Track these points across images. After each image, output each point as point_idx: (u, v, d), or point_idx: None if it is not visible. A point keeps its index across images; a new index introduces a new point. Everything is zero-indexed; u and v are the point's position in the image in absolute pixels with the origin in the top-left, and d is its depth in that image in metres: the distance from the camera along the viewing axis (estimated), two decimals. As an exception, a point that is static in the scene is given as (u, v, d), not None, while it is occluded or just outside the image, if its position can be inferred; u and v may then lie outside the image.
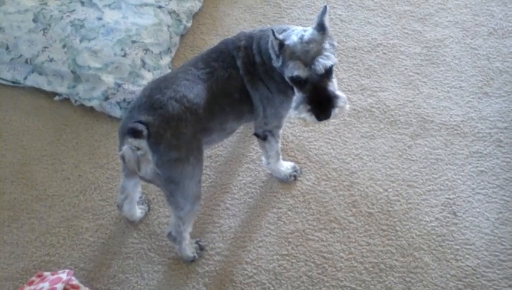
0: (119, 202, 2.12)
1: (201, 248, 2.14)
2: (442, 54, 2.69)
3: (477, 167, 2.31)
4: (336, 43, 1.85)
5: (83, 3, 2.66)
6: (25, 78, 2.60)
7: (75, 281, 2.01)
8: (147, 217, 2.25)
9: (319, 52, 1.74)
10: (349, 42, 2.77)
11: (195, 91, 1.83)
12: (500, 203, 2.20)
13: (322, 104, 1.76)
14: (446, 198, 2.23)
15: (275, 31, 1.76)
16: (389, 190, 2.27)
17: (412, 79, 2.61)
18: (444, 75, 2.61)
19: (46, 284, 1.96)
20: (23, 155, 2.48)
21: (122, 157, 1.83)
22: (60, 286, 1.94)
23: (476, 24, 2.80)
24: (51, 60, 2.54)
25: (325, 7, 1.79)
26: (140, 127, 1.69)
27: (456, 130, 2.42)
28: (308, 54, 1.74)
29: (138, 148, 1.75)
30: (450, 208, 2.20)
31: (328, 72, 1.77)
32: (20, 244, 2.21)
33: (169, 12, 2.71)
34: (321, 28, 1.78)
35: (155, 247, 2.18)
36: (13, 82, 2.66)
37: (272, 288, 2.05)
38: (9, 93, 2.69)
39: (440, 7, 2.90)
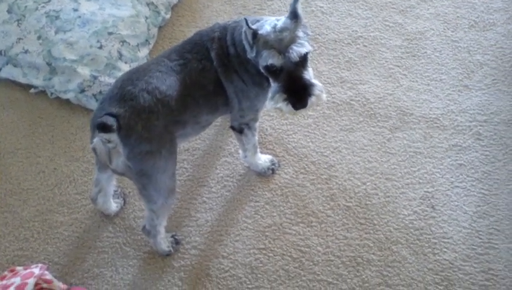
0: (93, 195, 2.09)
1: (177, 242, 2.11)
2: (423, 47, 2.67)
3: (456, 160, 2.30)
4: (310, 32, 1.82)
5: (58, -6, 2.61)
6: (0, 70, 2.56)
7: (48, 276, 1.98)
8: (122, 210, 2.22)
9: (293, 40, 1.71)
10: (329, 34, 2.75)
11: (167, 83, 1.80)
12: (478, 197, 2.19)
13: (298, 92, 1.73)
14: (425, 191, 2.22)
15: (248, 21, 1.73)
16: (367, 184, 2.25)
17: (392, 72, 2.59)
18: (424, 67, 2.60)
19: (17, 279, 1.92)
20: (-2, 149, 2.44)
21: (94, 150, 1.80)
22: (31, 280, 1.90)
23: (457, 17, 2.79)
24: (26, 51, 2.50)
25: None
26: (110, 121, 1.66)
27: (436, 123, 2.41)
28: (281, 42, 1.71)
29: (109, 141, 1.72)
30: (429, 202, 2.19)
31: (303, 60, 1.74)
32: (-7, 239, 2.18)
33: (147, 4, 2.68)
34: (294, 16, 1.75)
35: (130, 241, 2.15)
36: (-13, 74, 2.61)
37: (248, 282, 2.04)
38: (-17, 86, 2.65)
39: (422, -1, 2.89)
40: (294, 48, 1.70)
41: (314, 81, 1.77)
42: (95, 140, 1.75)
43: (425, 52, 2.65)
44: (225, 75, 1.89)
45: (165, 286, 2.04)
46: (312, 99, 1.75)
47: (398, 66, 2.61)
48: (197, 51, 1.88)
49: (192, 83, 1.85)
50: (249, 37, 1.75)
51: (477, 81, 2.54)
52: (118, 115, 1.69)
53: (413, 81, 2.55)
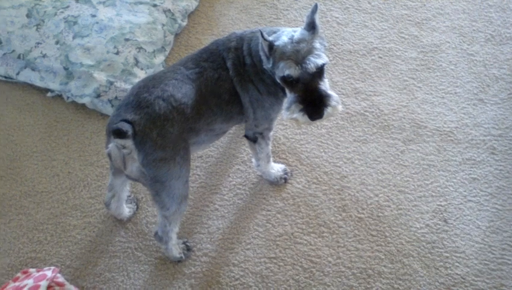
0: (106, 200, 2.10)
1: (188, 249, 2.12)
2: (438, 60, 2.67)
3: (469, 174, 2.29)
4: (326, 43, 1.83)
5: (77, 0, 2.64)
6: (18, 73, 2.59)
7: (60, 279, 2.00)
8: (135, 215, 2.23)
9: (310, 51, 1.72)
10: (345, 45, 2.76)
11: (183, 91, 1.81)
12: (491, 212, 2.18)
13: (314, 103, 1.74)
14: (437, 205, 2.21)
15: (264, 32, 1.74)
16: (380, 195, 2.25)
17: (406, 84, 2.59)
18: (439, 80, 2.59)
19: (30, 281, 1.94)
20: (14, 151, 2.46)
21: (109, 155, 1.82)
22: (44, 283, 1.92)
23: (474, 30, 2.78)
24: (44, 56, 2.53)
25: (315, 5, 1.77)
26: (126, 127, 1.68)
27: (450, 136, 2.40)
28: (298, 53, 1.72)
29: (124, 147, 1.73)
30: (441, 215, 2.18)
31: (320, 71, 1.75)
32: (7, 240, 2.20)
33: (164, 11, 2.70)
34: (311, 27, 1.76)
35: (142, 246, 2.16)
36: (5, 77, 2.65)
37: (258, 291, 2.04)
38: (1, 88, 2.68)
39: (438, 12, 2.88)
40: (312, 58, 1.70)
41: (331, 92, 1.78)
42: (110, 145, 1.77)
43: (441, 65, 2.65)
44: (241, 84, 1.90)
45: (175, 292, 2.06)
46: (328, 110, 1.75)
47: (413, 78, 2.61)
48: (213, 60, 1.89)
49: (208, 91, 1.87)
50: (265, 49, 1.76)
51: (492, 95, 2.53)
52: (133, 122, 1.70)
53: (427, 94, 2.55)
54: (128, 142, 1.71)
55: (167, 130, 1.75)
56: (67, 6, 2.62)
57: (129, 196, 2.21)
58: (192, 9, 2.89)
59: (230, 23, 2.89)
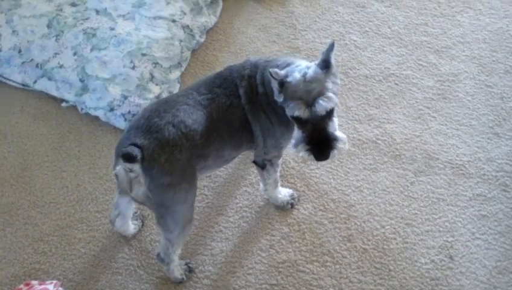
0: (112, 217, 2.12)
1: (190, 270, 2.12)
2: (455, 90, 2.64)
3: (479, 210, 2.25)
4: (339, 81, 1.81)
5: (97, 12, 2.67)
6: (35, 82, 2.63)
7: (62, 292, 2.02)
8: (139, 232, 2.24)
9: (321, 93, 1.71)
10: (361, 70, 2.73)
11: (194, 117, 1.82)
12: (499, 251, 2.14)
13: (321, 145, 1.75)
14: (444, 240, 2.18)
15: (276, 68, 1.75)
16: (387, 227, 2.23)
17: (421, 113, 2.56)
18: (455, 111, 2.56)
19: (32, 294, 1.97)
20: (25, 159, 2.49)
21: (116, 176, 1.83)
22: (45, 297, 1.94)
23: (493, 61, 2.74)
24: (61, 66, 2.56)
25: (332, 44, 1.75)
26: (135, 151, 1.69)
27: (462, 170, 2.36)
28: (310, 94, 1.70)
29: (131, 171, 1.74)
30: (447, 251, 2.15)
31: (329, 113, 1.74)
32: (12, 249, 2.23)
33: (183, 27, 2.71)
34: (326, 65, 1.74)
35: (145, 264, 2.17)
36: (23, 85, 2.68)
37: (257, 317, 2.04)
38: (18, 96, 2.71)
39: (458, 40, 2.84)
40: (321, 103, 1.69)
41: (338, 134, 1.77)
42: (118, 168, 1.78)
43: (457, 96, 2.61)
44: (252, 112, 1.90)
45: (174, 313, 2.06)
46: (334, 153, 1.76)
47: (428, 108, 2.58)
48: (226, 87, 1.89)
49: (219, 118, 1.87)
50: (276, 86, 1.76)
51: (508, 129, 2.48)
52: (142, 146, 1.71)
53: (442, 125, 2.51)
54: (136, 167, 1.72)
55: (175, 156, 1.75)
56: (88, 18, 2.64)
57: (135, 213, 2.23)
58: (210, 25, 2.89)
59: (248, 42, 2.89)
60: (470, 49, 2.80)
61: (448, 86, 2.66)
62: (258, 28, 2.96)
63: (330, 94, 1.70)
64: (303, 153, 1.75)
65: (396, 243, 2.18)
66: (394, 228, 2.22)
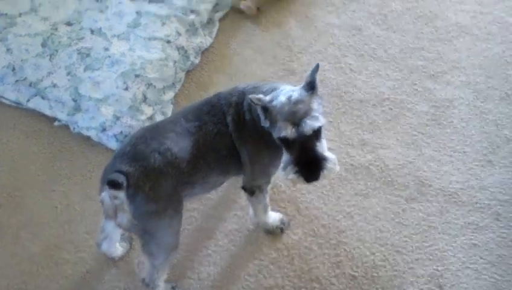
0: (98, 241, 2.11)
1: (176, 294, 2.11)
2: (450, 115, 2.62)
3: (470, 239, 2.23)
4: (324, 103, 1.80)
5: (92, 32, 2.68)
6: (28, 100, 2.64)
7: (46, 315, 2.01)
8: (127, 254, 2.23)
9: (307, 113, 1.70)
10: (356, 94, 2.73)
11: (181, 144, 1.82)
12: (490, 281, 2.12)
13: (310, 165, 1.72)
14: (434, 269, 2.15)
15: (256, 97, 1.74)
16: (376, 254, 2.21)
17: (415, 139, 2.55)
18: (449, 137, 2.54)
19: (16, 316, 1.95)
20: (16, 178, 2.50)
21: (101, 202, 1.83)
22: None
23: (489, 87, 2.73)
24: (54, 85, 2.57)
25: (317, 65, 1.76)
26: (120, 179, 1.69)
27: (454, 197, 2.34)
28: (295, 114, 1.70)
29: (116, 197, 1.74)
30: (437, 281, 2.13)
31: (317, 133, 1.73)
32: (2, 270, 2.22)
33: (178, 48, 2.71)
34: (310, 87, 1.74)
35: (131, 287, 2.16)
36: (16, 103, 2.69)
37: None
38: (11, 114, 2.72)
39: (454, 65, 2.83)
40: (308, 122, 1.68)
41: (327, 154, 1.75)
42: (103, 194, 1.79)
43: (452, 122, 2.60)
44: (239, 140, 1.89)
45: (159, 338, 2.04)
46: (324, 173, 1.73)
47: (422, 134, 2.56)
48: (213, 114, 1.89)
49: (206, 145, 1.86)
50: (260, 111, 1.76)
51: (502, 157, 2.47)
52: (127, 173, 1.72)
53: (435, 151, 2.50)
54: (121, 194, 1.73)
55: (161, 183, 1.75)
56: (82, 38, 2.66)
57: (123, 235, 2.21)
58: (206, 46, 2.90)
59: (243, 63, 2.89)
60: (466, 74, 2.79)
61: (443, 111, 2.64)
62: (254, 49, 2.96)
63: (316, 114, 1.70)
64: (292, 176, 1.72)
65: (386, 271, 2.16)
66: (384, 255, 2.20)
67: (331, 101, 2.69)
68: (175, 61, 2.68)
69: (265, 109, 1.73)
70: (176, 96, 2.71)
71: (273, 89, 1.82)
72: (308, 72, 1.77)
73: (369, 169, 2.45)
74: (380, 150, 2.51)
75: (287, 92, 1.76)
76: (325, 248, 2.23)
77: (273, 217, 2.25)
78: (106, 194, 1.77)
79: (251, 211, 2.22)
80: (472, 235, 2.24)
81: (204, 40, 2.88)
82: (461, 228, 2.26)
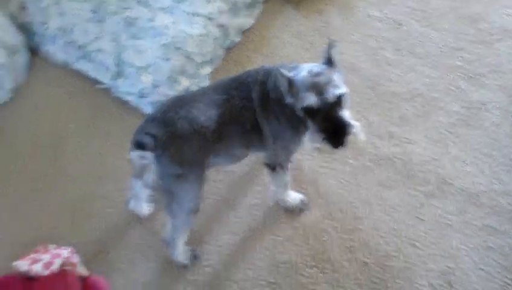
0: (127, 198, 2.24)
1: (195, 257, 2.22)
2: (481, 118, 2.63)
3: (486, 241, 2.25)
4: (344, 77, 1.87)
5: (139, 2, 2.79)
6: (75, 62, 2.80)
7: (74, 259, 2.12)
8: (153, 215, 2.35)
9: (328, 83, 1.78)
10: (389, 87, 2.76)
11: (207, 114, 1.91)
12: (500, 285, 2.14)
13: (335, 132, 1.78)
14: (446, 266, 2.19)
15: (282, 69, 1.82)
16: (390, 244, 2.26)
17: (443, 137, 2.57)
18: (477, 139, 2.55)
19: (47, 257, 2.08)
20: (57, 133, 2.67)
21: (131, 161, 1.95)
22: (58, 261, 2.06)
23: (525, 94, 2.72)
24: (100, 50, 2.70)
25: (332, 42, 1.84)
26: (147, 140, 1.81)
27: (475, 199, 2.37)
28: (317, 84, 1.78)
29: (144, 157, 1.86)
30: (447, 277, 2.16)
31: (339, 100, 1.79)
32: (35, 213, 2.40)
33: (219, 26, 2.79)
34: (329, 62, 1.83)
35: (153, 245, 2.28)
36: (64, 63, 2.86)
37: (251, 312, 2.11)
38: (58, 73, 2.89)
39: (493, 69, 2.82)
40: (330, 89, 1.76)
41: (351, 121, 1.81)
42: (132, 153, 1.90)
43: (482, 124, 2.60)
44: (263, 116, 1.97)
45: (174, 296, 2.16)
46: (350, 138, 1.79)
47: (451, 133, 2.58)
48: (241, 90, 1.98)
49: (231, 118, 1.96)
50: (285, 85, 1.83)
51: (528, 164, 2.47)
52: (155, 136, 1.83)
53: (462, 151, 2.52)
54: (148, 154, 1.85)
55: (185, 149, 1.86)
56: (128, 8, 2.76)
57: (151, 195, 2.33)
58: (247, 26, 2.97)
59: (281, 46, 2.96)
60: (503, 79, 2.78)
61: (475, 113, 2.65)
62: (293, 34, 3.02)
63: (337, 83, 1.78)
64: (319, 144, 1.78)
65: (397, 262, 2.21)
66: (397, 246, 2.25)
67: (363, 91, 2.74)
68: (215, 38, 2.77)
69: (289, 83, 1.81)
70: (213, 71, 2.80)
71: (294, 68, 1.89)
72: (325, 49, 1.85)
73: (392, 161, 2.50)
74: (406, 144, 2.55)
75: (308, 67, 1.84)
76: (340, 232, 2.30)
77: (294, 196, 2.33)
78: (135, 153, 1.89)
79: (272, 188, 2.31)
80: (488, 238, 2.26)
81: (245, 20, 2.95)
82: (478, 230, 2.28)
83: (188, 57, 2.65)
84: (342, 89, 1.79)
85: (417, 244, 2.25)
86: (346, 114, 1.82)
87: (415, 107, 2.69)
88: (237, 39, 2.92)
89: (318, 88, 1.77)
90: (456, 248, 2.24)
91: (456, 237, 2.27)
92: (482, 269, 2.18)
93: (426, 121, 2.63)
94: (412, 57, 2.89)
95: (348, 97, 1.83)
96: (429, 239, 2.26)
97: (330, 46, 1.84)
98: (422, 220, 2.32)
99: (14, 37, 2.83)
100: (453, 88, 2.76)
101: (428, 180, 2.43)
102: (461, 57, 2.88)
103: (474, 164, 2.48)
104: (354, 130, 1.79)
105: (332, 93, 1.76)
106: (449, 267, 2.19)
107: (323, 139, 1.78)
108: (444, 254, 2.22)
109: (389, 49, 2.93)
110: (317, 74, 1.80)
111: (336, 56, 1.85)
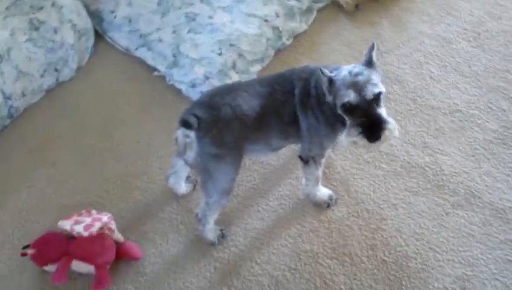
0: (167, 174, 2.44)
1: (223, 236, 2.38)
2: (518, 138, 2.67)
3: (507, 255, 2.29)
4: (382, 78, 1.98)
5: (201, 0, 3.02)
6: (136, 49, 3.04)
7: (112, 225, 2.34)
8: (189, 195, 2.54)
9: (368, 82, 1.90)
10: (430, 100, 2.84)
11: (250, 104, 2.07)
12: (515, 297, 2.18)
13: (372, 127, 1.89)
14: (463, 272, 2.25)
15: (324, 69, 1.95)
16: (411, 246, 2.34)
17: (476, 152, 2.62)
18: (511, 158, 2.59)
19: (88, 219, 2.31)
20: (113, 113, 2.92)
21: (176, 139, 2.14)
22: (98, 224, 2.28)
23: None
24: (160, 40, 2.95)
25: (373, 44, 1.96)
26: (192, 120, 1.99)
27: (500, 213, 2.41)
28: (357, 83, 1.90)
29: (187, 136, 2.04)
30: (463, 283, 2.22)
31: (377, 98, 1.90)
32: (84, 181, 2.63)
33: (273, 28, 2.98)
34: (368, 63, 1.95)
35: (186, 221, 2.46)
36: (126, 50, 3.12)
37: (269, 292, 2.25)
38: (119, 58, 3.16)
39: (536, 92, 2.86)
40: (369, 87, 1.88)
41: (388, 118, 1.92)
42: (178, 131, 2.09)
43: (518, 144, 2.65)
44: (302, 111, 2.11)
45: (200, 268, 2.32)
46: (385, 133, 1.89)
47: (485, 149, 2.63)
48: (284, 85, 2.13)
49: (272, 110, 2.11)
50: (326, 84, 1.97)
51: (560, 187, 2.49)
52: (200, 118, 2.01)
53: (494, 168, 2.56)
54: (192, 134, 2.02)
55: (226, 132, 2.03)
56: (192, 4, 3.00)
57: (190, 176, 2.52)
58: (300, 31, 3.14)
59: (330, 53, 3.10)
60: (546, 103, 2.81)
61: (512, 133, 2.70)
62: (343, 42, 3.16)
63: (376, 82, 1.90)
64: (356, 138, 1.89)
65: (416, 263, 2.29)
66: (417, 249, 2.33)
67: (404, 102, 2.83)
68: (268, 39, 2.95)
69: (330, 81, 1.95)
70: (262, 70, 2.98)
71: (335, 69, 2.03)
72: (366, 51, 1.98)
73: (424, 170, 2.58)
74: (439, 155, 2.62)
75: (349, 67, 1.97)
76: (364, 230, 2.40)
77: (323, 191, 2.46)
78: (180, 132, 2.08)
79: (304, 181, 2.44)
80: (509, 252, 2.30)
81: (299, 25, 3.12)
82: (500, 243, 2.33)
83: (241, 54, 2.84)
84: (380, 88, 1.91)
85: (437, 249, 2.32)
86: (383, 111, 1.93)
87: (453, 121, 2.75)
88: (288, 42, 3.09)
89: (357, 86, 1.89)
90: (475, 257, 2.29)
91: (477, 246, 2.32)
92: (499, 280, 2.22)
93: (462, 136, 2.69)
94: (456, 74, 2.97)
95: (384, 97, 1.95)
96: (450, 246, 2.32)
97: (371, 48, 1.97)
98: (445, 227, 2.38)
99: (84, 22, 3.12)
100: (493, 107, 2.80)
101: (457, 192, 2.49)
102: (505, 78, 2.92)
103: (505, 181, 2.52)
104: (389, 126, 1.90)
105: (371, 91, 1.88)
106: (466, 274, 2.24)
107: (360, 133, 1.89)
108: (463, 262, 2.28)
109: (435, 64, 3.01)
110: (357, 74, 1.92)
111: (375, 58, 1.98)
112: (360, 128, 1.89)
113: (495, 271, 2.25)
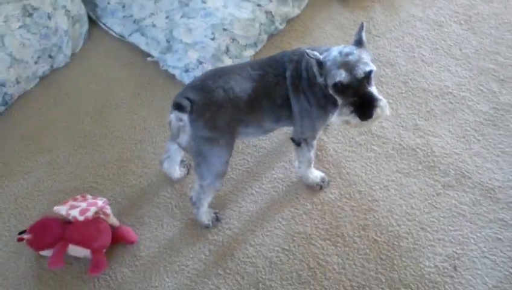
0: (161, 159, 2.46)
1: (217, 219, 2.41)
2: (508, 119, 2.70)
3: (496, 233, 2.34)
4: (372, 57, 2.01)
5: (194, -15, 3.04)
6: (130, 34, 3.06)
7: (107, 210, 2.37)
8: (184, 179, 2.57)
9: (358, 61, 1.92)
10: (421, 83, 2.87)
11: (243, 87, 2.10)
12: (504, 274, 2.22)
13: (363, 105, 1.91)
14: (453, 251, 2.30)
15: (311, 51, 1.98)
16: (402, 226, 2.38)
17: (467, 134, 2.66)
18: (500, 139, 2.63)
19: (84, 204, 2.34)
20: (107, 98, 2.94)
21: (169, 122, 2.16)
22: (93, 209, 2.31)
23: (556, 100, 2.77)
24: (154, 25, 2.96)
25: (362, 24, 1.99)
26: (185, 103, 2.01)
27: (490, 193, 2.45)
28: (348, 63, 1.92)
29: (181, 120, 2.06)
30: (453, 261, 2.27)
31: (368, 77, 1.93)
32: (79, 167, 2.66)
33: (266, 12, 2.99)
34: (358, 43, 1.98)
35: (181, 205, 2.49)
36: (119, 35, 3.14)
37: (263, 273, 2.28)
38: (114, 44, 3.18)
39: (527, 74, 2.89)
40: (360, 65, 1.90)
41: (379, 96, 1.95)
42: (171, 115, 2.11)
43: (508, 126, 2.68)
44: (294, 93, 2.14)
45: (195, 251, 2.36)
46: (377, 111, 1.91)
47: (475, 130, 2.67)
48: (276, 67, 2.15)
49: (264, 92, 2.13)
50: (315, 65, 1.99)
51: (550, 167, 2.53)
52: (193, 101, 2.03)
53: (484, 148, 2.60)
54: (185, 117, 2.04)
55: (219, 115, 2.05)
56: (185, -12, 3.02)
57: (184, 161, 2.55)
58: (292, 16, 3.16)
59: (322, 36, 3.12)
60: (536, 85, 2.85)
61: (502, 114, 2.72)
62: (335, 26, 3.18)
63: (366, 61, 1.92)
64: (348, 116, 1.91)
65: (407, 243, 2.33)
66: (409, 229, 2.37)
67: (396, 85, 2.86)
68: (261, 24, 2.97)
69: (320, 63, 1.97)
70: (255, 54, 3.00)
71: (326, 50, 2.05)
72: (356, 31, 2.01)
73: (415, 151, 2.61)
74: (430, 137, 2.66)
75: (339, 48, 2.00)
76: (356, 211, 2.44)
77: (316, 174, 2.49)
78: (174, 115, 2.09)
79: (296, 164, 2.47)
80: (498, 230, 2.35)
81: (292, 10, 3.14)
82: (489, 222, 2.37)
83: (234, 38, 2.86)
84: (371, 66, 1.93)
85: (428, 229, 2.36)
86: (374, 89, 1.96)
87: (443, 104, 2.79)
88: (281, 27, 3.11)
89: (348, 66, 1.91)
90: (465, 236, 2.34)
91: (467, 226, 2.36)
92: (488, 258, 2.27)
93: (452, 118, 2.73)
94: (447, 57, 2.99)
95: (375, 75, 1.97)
96: (440, 225, 2.37)
97: (360, 28, 2.00)
98: (436, 207, 2.43)
99: (78, 8, 3.14)
100: (483, 89, 2.84)
101: (448, 172, 2.53)
102: (495, 60, 2.95)
103: (494, 161, 2.56)
104: (381, 103, 1.92)
105: (362, 70, 1.91)
106: (456, 252, 2.29)
107: (352, 112, 1.92)
108: (453, 241, 2.32)
109: (426, 48, 3.04)
110: (347, 54, 1.94)
111: (365, 37, 2.00)
112: (352, 107, 1.92)
113: (484, 249, 2.30)
